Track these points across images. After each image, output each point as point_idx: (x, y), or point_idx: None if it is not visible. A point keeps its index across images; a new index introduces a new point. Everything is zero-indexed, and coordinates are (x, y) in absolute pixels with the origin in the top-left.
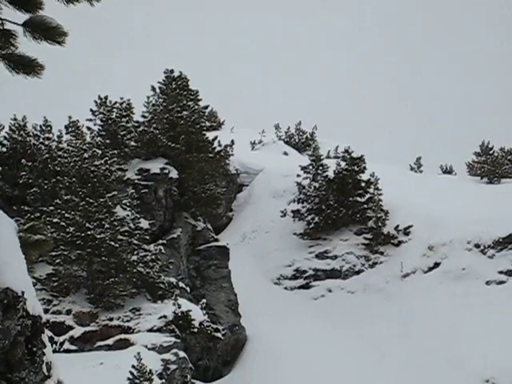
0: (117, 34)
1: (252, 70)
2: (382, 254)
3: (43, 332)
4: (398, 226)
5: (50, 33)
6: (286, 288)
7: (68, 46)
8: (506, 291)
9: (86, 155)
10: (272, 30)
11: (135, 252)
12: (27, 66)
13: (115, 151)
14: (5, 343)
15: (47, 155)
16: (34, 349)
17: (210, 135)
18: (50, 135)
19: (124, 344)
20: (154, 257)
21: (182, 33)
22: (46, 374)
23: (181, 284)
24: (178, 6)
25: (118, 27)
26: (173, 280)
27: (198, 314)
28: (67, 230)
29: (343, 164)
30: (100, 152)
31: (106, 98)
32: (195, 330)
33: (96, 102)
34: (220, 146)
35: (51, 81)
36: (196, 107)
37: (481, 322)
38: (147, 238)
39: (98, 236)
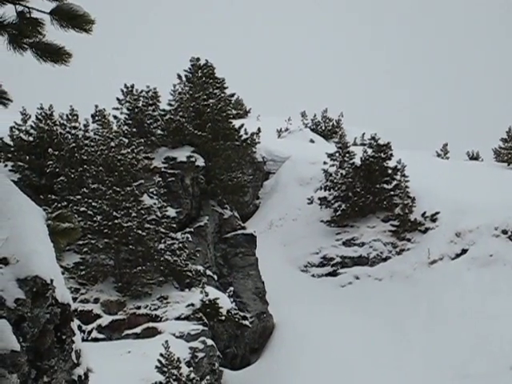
0: (142, 23)
1: (279, 58)
2: (409, 240)
3: (72, 320)
4: (424, 212)
5: (77, 21)
6: (313, 275)
7: (95, 34)
8: None
9: (112, 144)
10: (298, 17)
11: (162, 240)
12: (54, 54)
13: (142, 140)
14: (34, 331)
15: (74, 144)
16: (64, 337)
17: (237, 123)
18: (77, 124)
19: (152, 332)
20: (181, 245)
21: (209, 21)
22: (76, 361)
23: (208, 272)
24: None
25: (142, 15)
26: (200, 268)
27: (225, 302)
28: (94, 218)
29: (370, 151)
30: (126, 141)
31: (132, 86)
32: (223, 317)
33: (122, 90)
34: (246, 133)
35: (78, 69)
36: (222, 95)
37: (509, 308)
38: (174, 226)
39: (125, 224)
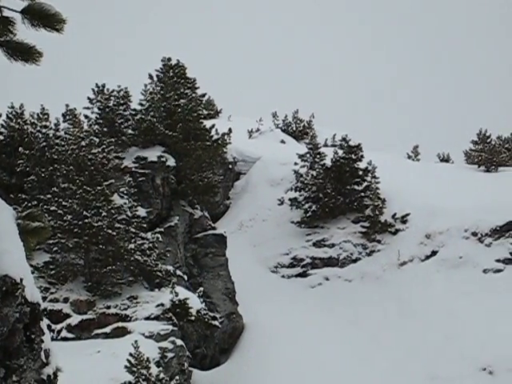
0: (115, 22)
1: (249, 59)
2: (379, 242)
3: (42, 319)
4: (395, 214)
5: (48, 20)
6: (283, 276)
7: (66, 34)
8: (503, 279)
9: (83, 143)
10: (269, 18)
11: (132, 240)
12: (25, 53)
13: (112, 139)
14: (3, 330)
15: (44, 143)
16: (33, 336)
17: (208, 123)
18: (48, 123)
19: (121, 332)
20: (151, 245)
21: (180, 22)
22: (45, 361)
23: (178, 272)
24: None
25: (115, 14)
26: (170, 268)
27: (195, 302)
28: (64, 218)
29: (340, 152)
30: (97, 140)
31: (103, 86)
32: (192, 318)
33: (93, 90)
34: (217, 134)
35: (49, 68)
36: (193, 95)
37: (478, 310)
38: (144, 226)
39: (96, 224)
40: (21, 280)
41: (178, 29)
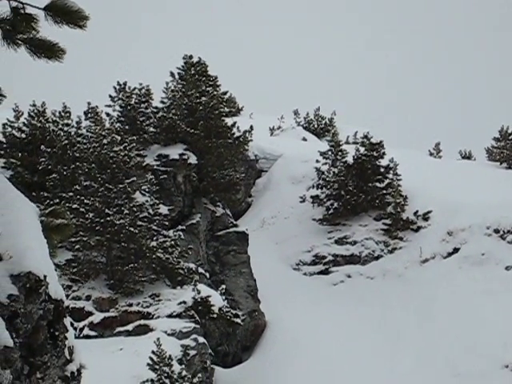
0: (138, 20)
1: (272, 56)
2: (401, 239)
3: (65, 316)
4: (417, 211)
5: (71, 17)
6: (305, 274)
7: (88, 31)
8: None
9: (105, 141)
10: (291, 15)
11: (154, 238)
12: (48, 51)
13: (134, 137)
14: (27, 327)
15: (66, 141)
16: (57, 333)
17: (229, 121)
18: (69, 121)
19: (143, 330)
20: (173, 242)
21: (204, 21)
22: (68, 358)
23: (200, 270)
24: None
25: (139, 12)
26: (192, 266)
27: (217, 300)
28: (86, 215)
29: (362, 149)
30: (119, 138)
31: (125, 83)
32: (214, 315)
33: (115, 88)
34: (239, 131)
35: (71, 66)
36: (215, 93)
37: (500, 307)
38: (166, 223)
39: (118, 222)
40: (44, 277)
41: (196, 28)
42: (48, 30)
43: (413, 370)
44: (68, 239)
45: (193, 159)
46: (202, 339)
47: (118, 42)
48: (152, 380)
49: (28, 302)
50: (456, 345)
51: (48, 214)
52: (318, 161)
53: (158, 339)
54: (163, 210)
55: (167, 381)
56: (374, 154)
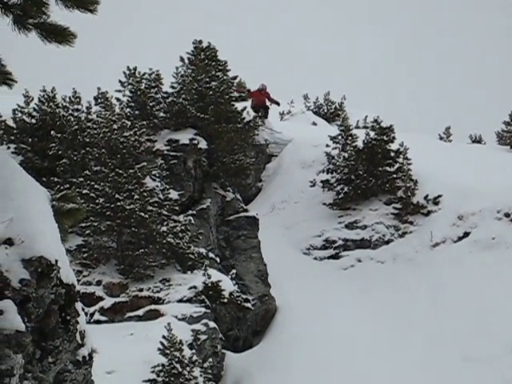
0: (148, 6)
1: (281, 41)
2: (411, 223)
3: (77, 301)
4: (427, 195)
5: (81, 1)
6: (315, 258)
7: (100, 15)
8: None
9: (115, 126)
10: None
11: (165, 223)
12: (59, 35)
13: (144, 122)
14: (39, 312)
15: (76, 126)
16: (68, 317)
17: (239, 106)
18: (79, 106)
19: (154, 315)
20: (183, 227)
21: (213, 7)
22: (80, 342)
23: (210, 254)
24: None
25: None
26: (202, 250)
27: (227, 285)
28: (97, 201)
29: (372, 134)
30: (129, 123)
31: (135, 68)
32: (225, 300)
33: (125, 73)
34: (249, 116)
35: (81, 51)
36: (225, 78)
37: (511, 291)
38: (177, 208)
39: (128, 207)
40: (56, 261)
41: (207, 12)
42: (59, 14)
43: (423, 354)
44: (78, 224)
45: (203, 144)
46: (212, 324)
47: (129, 27)
48: (163, 365)
49: (40, 287)
50: (466, 329)
51: (59, 198)
52: (328, 145)
53: (169, 324)
54: (173, 194)
55: (178, 365)
56: (384, 138)
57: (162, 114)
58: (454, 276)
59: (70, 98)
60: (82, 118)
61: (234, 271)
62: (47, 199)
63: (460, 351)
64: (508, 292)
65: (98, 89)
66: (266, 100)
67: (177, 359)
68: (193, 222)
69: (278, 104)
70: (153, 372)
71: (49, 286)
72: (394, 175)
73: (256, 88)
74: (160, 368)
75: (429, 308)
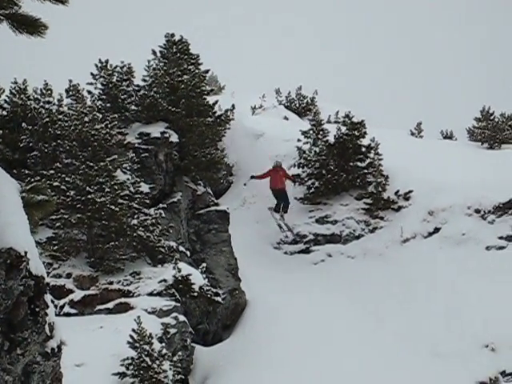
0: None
1: (252, 34)
2: (381, 219)
3: (46, 292)
4: (398, 191)
5: None
6: (285, 253)
7: (70, 8)
8: (505, 257)
9: (86, 119)
10: None
11: (135, 216)
12: (30, 26)
13: (116, 115)
14: (7, 303)
15: (48, 119)
16: (37, 309)
17: (211, 99)
18: (51, 99)
19: (124, 308)
20: (154, 221)
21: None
22: (49, 334)
23: (181, 248)
24: None
25: None
26: (173, 244)
27: (197, 278)
28: (67, 193)
29: (344, 129)
30: (100, 116)
31: (106, 61)
32: (195, 294)
33: (96, 65)
34: (220, 110)
35: (52, 43)
36: (197, 71)
37: (481, 287)
38: (147, 202)
39: (99, 200)
40: (25, 253)
41: (182, 5)
42: (30, 5)
43: (393, 349)
44: (49, 217)
45: (174, 137)
46: (182, 317)
47: (102, 19)
48: (132, 358)
49: (8, 278)
50: (436, 325)
51: (29, 190)
52: (299, 140)
53: (139, 317)
54: (144, 188)
55: (147, 359)
56: (356, 133)
57: (133, 107)
58: (424, 272)
59: (41, 90)
60: (54, 111)
61: (204, 265)
62: (17, 191)
63: (429, 347)
64: (477, 288)
65: (70, 81)
66: (283, 179)
67: (146, 352)
68: (163, 215)
69: (294, 182)
70: (122, 365)
71: (18, 277)
72: (365, 170)
73: (271, 166)
74: (129, 361)
75: (399, 304)
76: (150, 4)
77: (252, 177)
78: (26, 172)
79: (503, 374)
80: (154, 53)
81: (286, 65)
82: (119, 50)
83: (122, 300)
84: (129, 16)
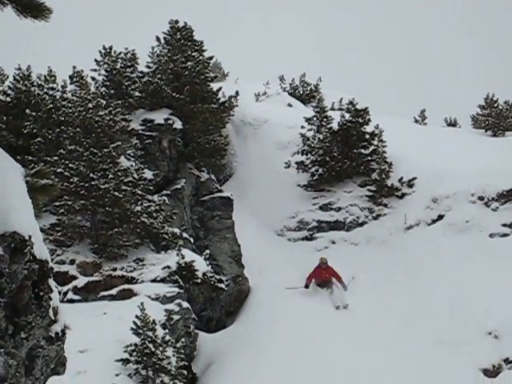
0: None
1: (257, 21)
2: (385, 206)
3: (50, 277)
4: (401, 178)
5: None
6: (289, 239)
7: None
8: (509, 244)
9: (90, 105)
10: None
11: (139, 202)
12: (35, 10)
13: (119, 101)
14: (12, 287)
15: (51, 105)
16: (41, 293)
17: (215, 86)
18: (55, 85)
19: (127, 294)
20: (157, 207)
21: None
22: (53, 318)
23: (184, 235)
24: None
25: None
26: (176, 231)
27: (201, 265)
28: (71, 180)
29: (347, 116)
30: (104, 102)
31: (110, 48)
32: (198, 280)
33: (100, 52)
34: (224, 97)
35: (56, 29)
36: (201, 58)
37: (484, 274)
38: (151, 188)
39: (102, 186)
40: (29, 237)
41: None
42: None
43: (396, 337)
44: (52, 203)
45: (178, 124)
46: (185, 304)
47: (107, 7)
48: (135, 344)
49: (13, 262)
50: (440, 312)
51: (33, 174)
52: (303, 127)
53: (142, 304)
54: (148, 174)
55: (151, 345)
56: (360, 120)
57: (137, 94)
58: (427, 259)
59: (45, 76)
60: (57, 97)
61: (207, 252)
62: (21, 175)
63: (433, 334)
64: (481, 275)
65: (74, 67)
66: (331, 276)
67: (150, 339)
68: (167, 201)
69: (344, 288)
70: (125, 351)
71: (22, 261)
72: (369, 157)
73: (316, 264)
74: (133, 347)
75: (403, 290)
76: None
77: (306, 286)
78: (30, 158)
79: (506, 361)
80: (157, 39)
81: (291, 53)
82: (123, 36)
83: (126, 286)
84: (134, 2)
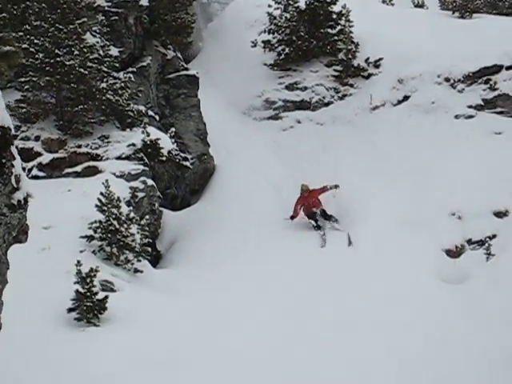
0: None
1: None
2: (351, 86)
3: (12, 144)
4: (368, 58)
5: None
6: (255, 119)
7: None
8: (474, 125)
9: None
10: None
11: (104, 79)
12: None
13: None
14: None
15: None
16: (3, 160)
17: None
18: None
19: (92, 171)
20: (123, 84)
21: None
22: (15, 186)
23: (150, 112)
24: None
25: None
26: (142, 108)
27: (166, 143)
28: (36, 56)
29: None
30: None
31: None
32: (163, 158)
33: None
34: None
35: None
36: None
37: (448, 155)
38: (117, 65)
39: (68, 63)
40: None
41: None
42: None
43: (360, 213)
44: (18, 79)
45: (144, 1)
46: (150, 182)
47: None
48: (100, 221)
49: None
50: (402, 192)
51: None
52: (270, 5)
53: (107, 181)
54: (114, 51)
55: (115, 222)
56: None
57: None
58: (392, 139)
59: None
60: None
61: (173, 129)
62: None
63: (397, 214)
64: (445, 156)
65: None
66: (318, 199)
67: (114, 216)
68: (133, 79)
69: (325, 190)
70: (90, 228)
71: None
72: (336, 37)
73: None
74: (97, 224)
75: (367, 170)
76: None
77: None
78: None
79: (469, 241)
80: None
81: None
82: None
83: (91, 163)
84: None
